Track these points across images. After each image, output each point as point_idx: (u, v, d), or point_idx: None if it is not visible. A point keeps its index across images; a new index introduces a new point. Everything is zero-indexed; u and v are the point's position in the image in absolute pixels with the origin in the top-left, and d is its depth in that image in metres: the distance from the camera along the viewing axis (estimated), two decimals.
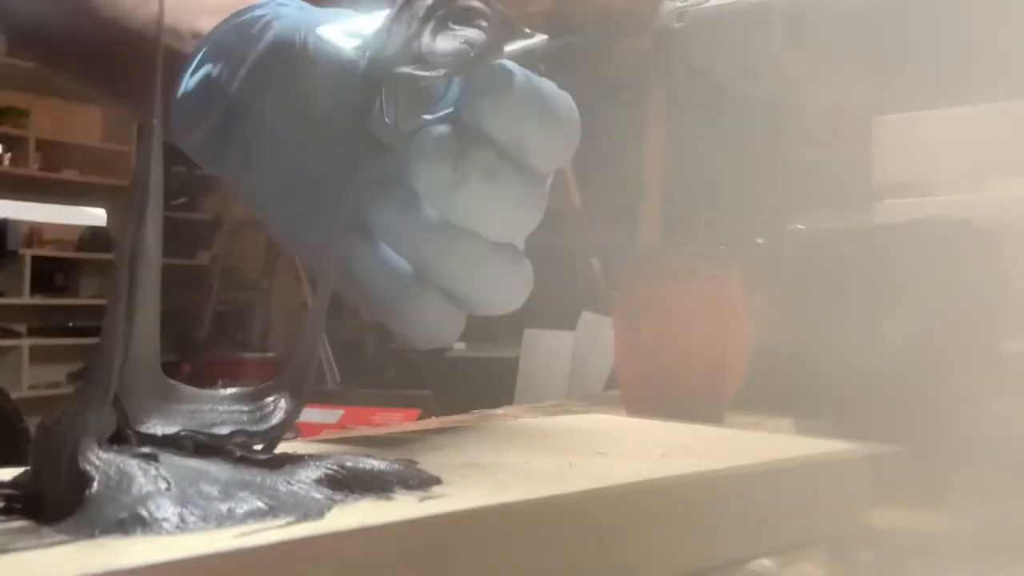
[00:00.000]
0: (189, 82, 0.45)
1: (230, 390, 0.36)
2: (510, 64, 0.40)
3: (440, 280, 0.41)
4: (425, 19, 0.39)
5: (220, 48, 0.45)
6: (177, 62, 0.46)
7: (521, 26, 0.40)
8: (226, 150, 0.45)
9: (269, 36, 0.44)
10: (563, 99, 0.41)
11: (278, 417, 0.35)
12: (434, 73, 0.38)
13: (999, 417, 0.51)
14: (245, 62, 0.44)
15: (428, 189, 0.40)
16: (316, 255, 0.43)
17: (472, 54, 0.38)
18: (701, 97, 1.14)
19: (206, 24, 0.46)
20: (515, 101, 0.39)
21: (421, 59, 0.38)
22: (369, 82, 0.39)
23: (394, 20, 0.39)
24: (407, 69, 0.38)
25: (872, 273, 0.54)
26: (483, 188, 0.39)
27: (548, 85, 0.41)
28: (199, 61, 0.45)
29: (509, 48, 0.40)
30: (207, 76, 0.45)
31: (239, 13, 0.45)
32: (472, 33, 0.38)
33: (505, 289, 0.42)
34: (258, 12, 0.45)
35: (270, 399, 0.35)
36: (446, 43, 0.38)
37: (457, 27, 0.39)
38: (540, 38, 0.41)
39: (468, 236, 0.40)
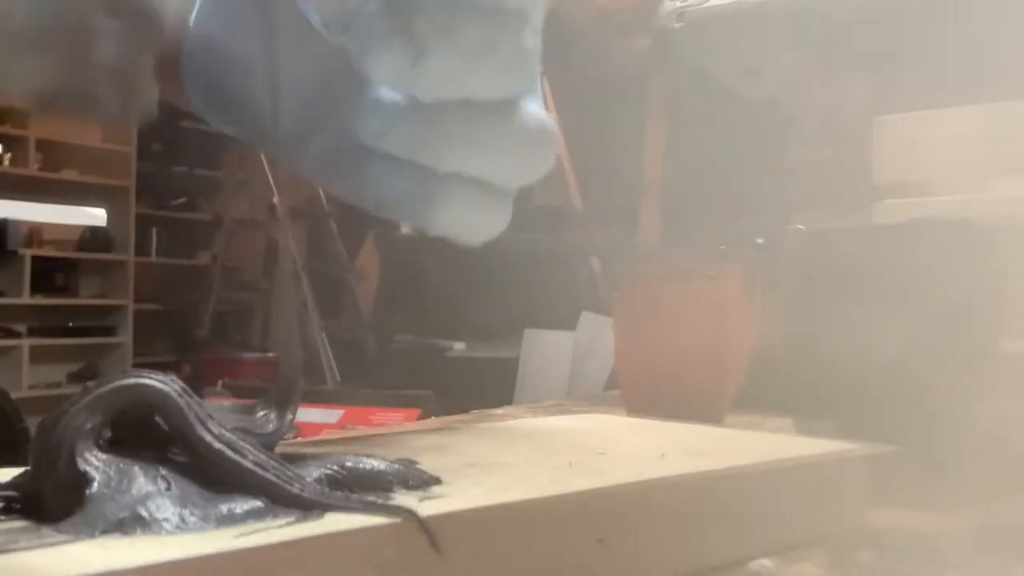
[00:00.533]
0: (191, 41, 0.44)
1: (226, 403, 0.36)
2: None
3: (448, 163, 0.38)
4: None
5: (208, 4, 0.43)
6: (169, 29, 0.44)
7: None
8: (228, 99, 0.44)
9: None
10: None
11: (269, 429, 0.35)
12: None
13: (999, 417, 0.51)
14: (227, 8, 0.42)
15: (391, 79, 0.36)
16: (328, 171, 0.41)
17: None
18: (701, 97, 1.14)
19: None
20: None
21: None
22: None
23: None
24: None
25: (872, 273, 0.54)
26: (444, 47, 0.35)
27: None
28: (195, 19, 0.44)
29: None
30: (203, 36, 0.43)
31: None
32: None
33: (515, 147, 0.38)
34: None
35: (261, 414, 0.35)
36: None
37: None
38: None
39: (451, 106, 0.37)
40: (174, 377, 0.30)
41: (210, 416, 0.29)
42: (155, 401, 0.29)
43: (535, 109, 0.39)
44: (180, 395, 0.29)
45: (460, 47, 0.35)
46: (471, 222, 0.39)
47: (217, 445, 0.29)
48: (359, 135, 0.38)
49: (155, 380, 0.29)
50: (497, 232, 0.40)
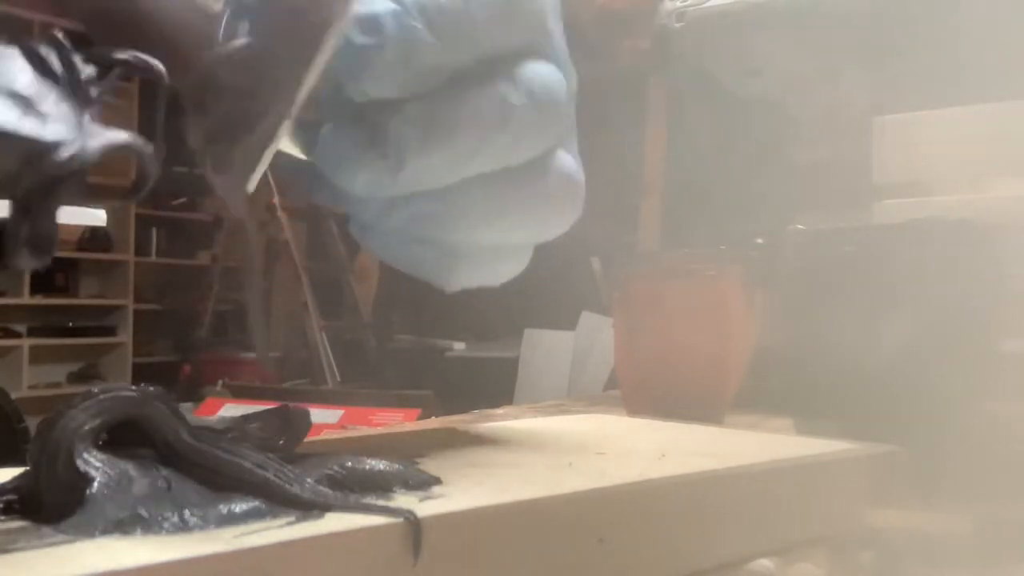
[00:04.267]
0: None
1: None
2: None
3: (464, 237, 0.35)
4: None
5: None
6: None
7: None
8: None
9: None
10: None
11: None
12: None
13: (998, 417, 0.51)
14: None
15: (371, 191, 0.33)
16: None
17: None
18: (701, 97, 1.14)
19: None
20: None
21: None
22: None
23: None
24: None
25: (872, 273, 0.54)
26: (425, 155, 0.31)
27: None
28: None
29: None
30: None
31: None
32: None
33: (537, 210, 0.36)
34: None
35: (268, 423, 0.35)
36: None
37: None
38: None
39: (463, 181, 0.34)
40: (164, 392, 0.30)
41: (205, 428, 0.30)
42: (147, 415, 0.29)
43: (564, 162, 0.35)
44: (173, 411, 0.29)
45: (446, 150, 0.32)
46: (487, 278, 0.38)
47: (212, 451, 0.29)
48: (361, 217, 0.35)
49: (148, 395, 0.29)
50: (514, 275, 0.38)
